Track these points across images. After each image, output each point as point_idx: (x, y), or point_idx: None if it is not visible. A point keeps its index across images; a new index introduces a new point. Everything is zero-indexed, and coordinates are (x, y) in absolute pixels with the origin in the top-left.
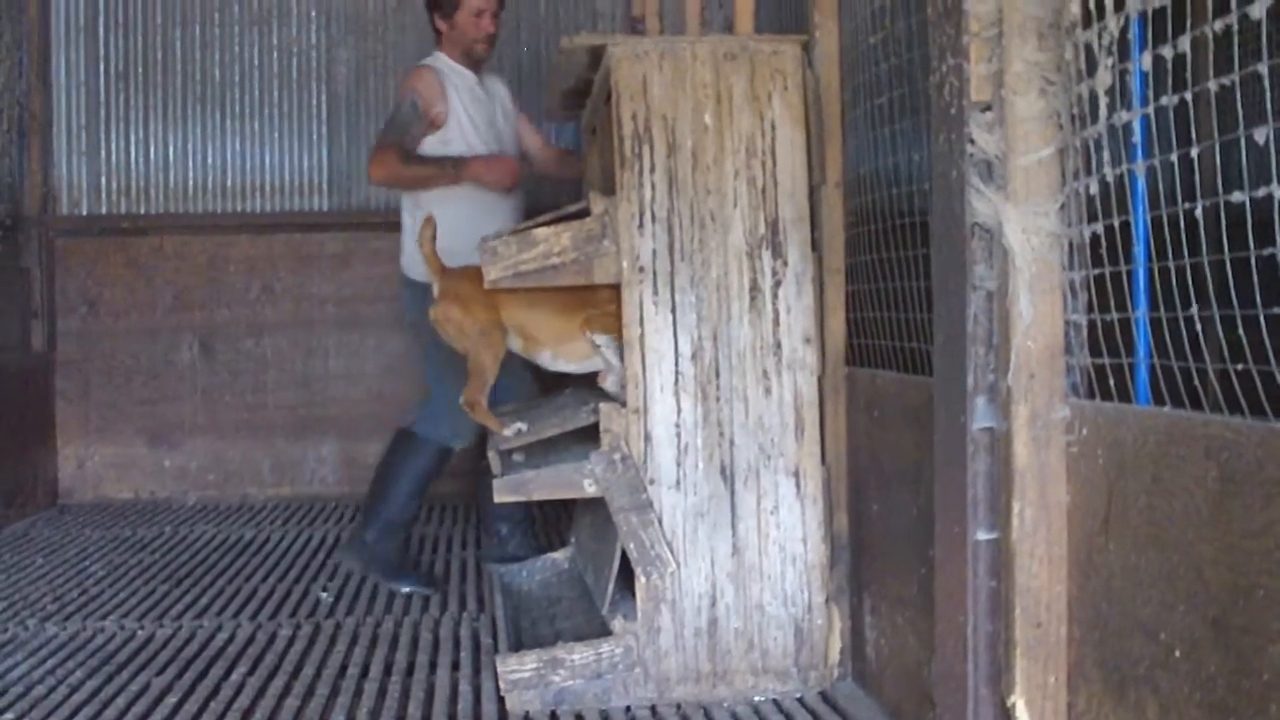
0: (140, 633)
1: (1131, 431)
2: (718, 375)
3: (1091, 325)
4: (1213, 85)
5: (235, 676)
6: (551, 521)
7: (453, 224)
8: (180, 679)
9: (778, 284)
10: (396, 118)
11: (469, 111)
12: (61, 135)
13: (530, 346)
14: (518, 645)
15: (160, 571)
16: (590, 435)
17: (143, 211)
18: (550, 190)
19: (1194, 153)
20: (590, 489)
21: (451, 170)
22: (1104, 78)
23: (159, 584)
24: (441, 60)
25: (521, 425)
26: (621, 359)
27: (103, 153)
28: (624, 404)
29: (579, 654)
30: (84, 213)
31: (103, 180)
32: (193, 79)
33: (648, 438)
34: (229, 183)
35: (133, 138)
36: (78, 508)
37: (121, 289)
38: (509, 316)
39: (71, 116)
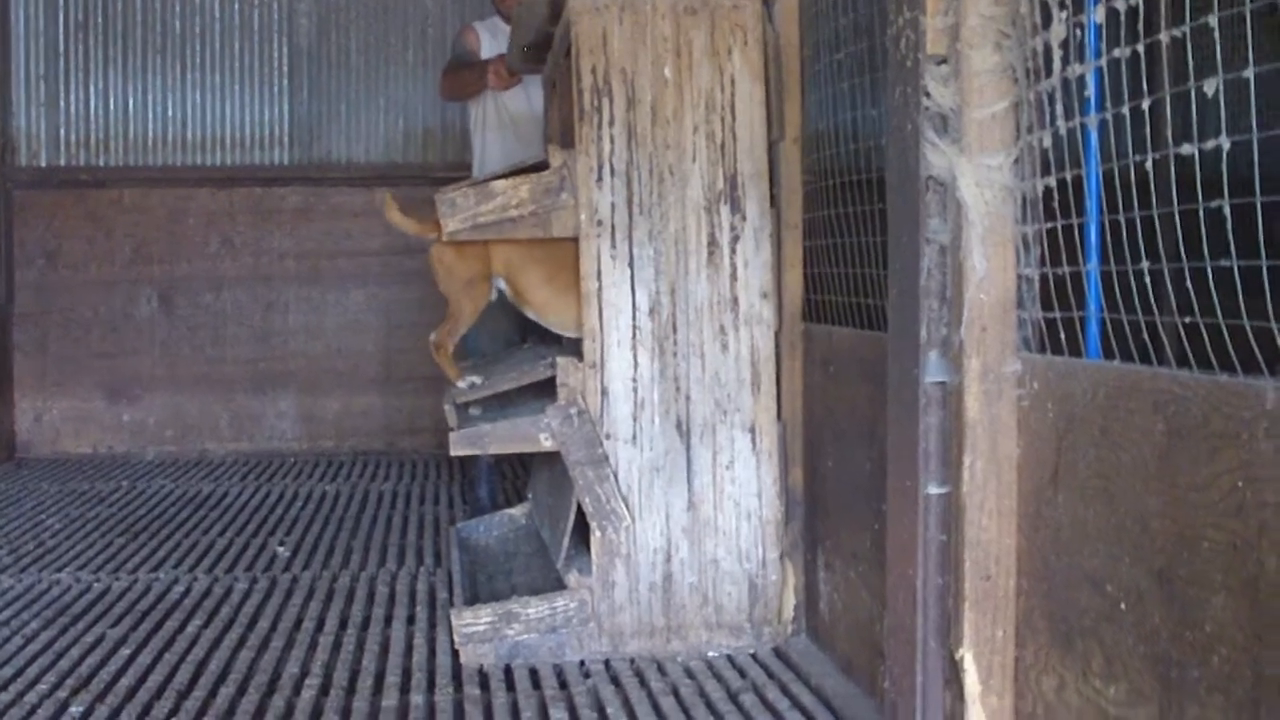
0: (96, 585)
1: (1081, 385)
2: (675, 330)
3: (1043, 279)
4: (1164, 38)
5: (190, 629)
6: (522, 478)
7: (497, 155)
8: (135, 630)
9: (735, 239)
10: (452, 55)
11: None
12: (20, 86)
13: (519, 298)
14: (473, 599)
15: (117, 525)
16: (547, 389)
17: (102, 164)
18: None
19: (1145, 105)
20: (546, 443)
21: (480, 68)
22: (1058, 31)
23: (115, 537)
24: (490, 20)
25: (476, 379)
26: None
27: (61, 104)
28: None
29: (534, 608)
30: (42, 164)
31: (61, 132)
32: (153, 30)
33: (604, 392)
34: (189, 135)
35: (92, 89)
36: (35, 461)
37: (80, 241)
38: (503, 262)
39: (30, 67)
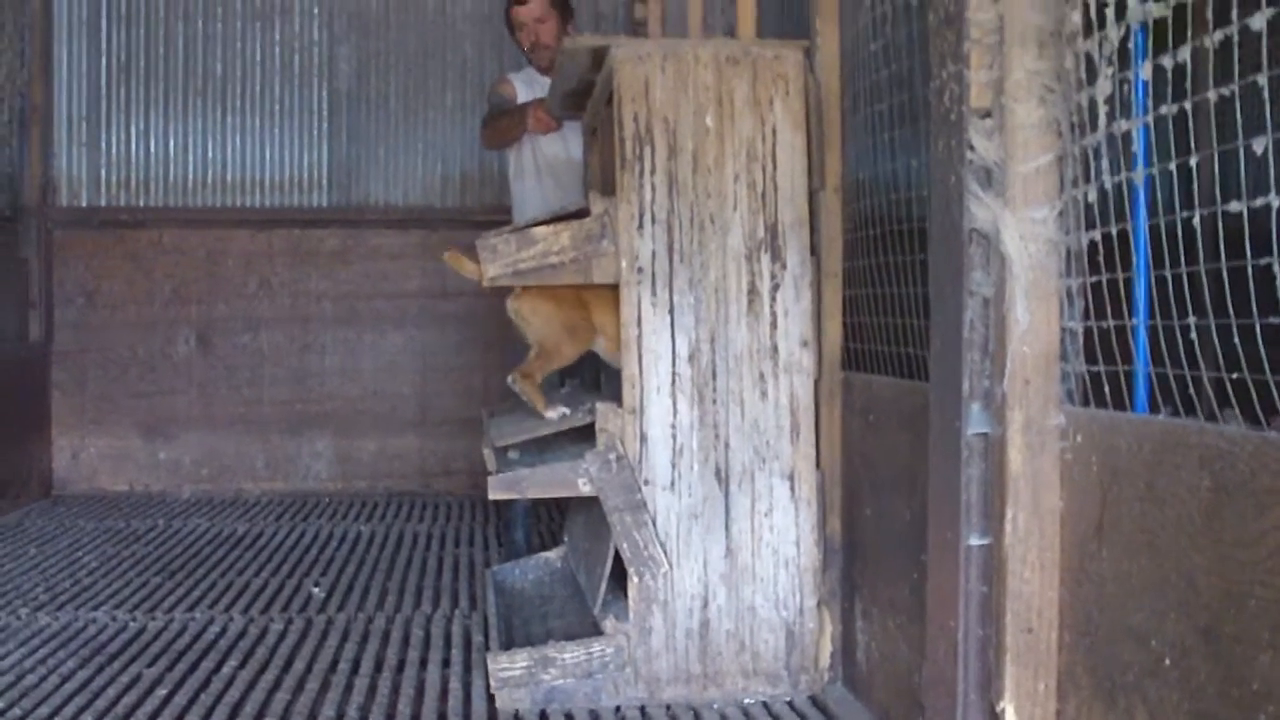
0: (132, 624)
1: (1126, 439)
2: (714, 377)
3: (1087, 332)
4: (1212, 95)
5: (226, 670)
6: (558, 520)
7: (536, 202)
8: (171, 671)
9: (776, 287)
10: (490, 105)
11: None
12: (62, 127)
13: (613, 348)
14: (509, 643)
15: (153, 564)
16: (586, 435)
17: (142, 204)
18: None
19: (1193, 162)
20: (585, 488)
21: (519, 114)
22: (1104, 86)
23: (151, 576)
24: (525, 71)
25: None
26: None
27: (103, 145)
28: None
29: (570, 653)
30: (83, 204)
31: (102, 172)
32: (194, 73)
33: (643, 438)
34: (229, 177)
35: (133, 130)
36: (72, 499)
37: (120, 281)
38: (597, 318)
39: (72, 108)
